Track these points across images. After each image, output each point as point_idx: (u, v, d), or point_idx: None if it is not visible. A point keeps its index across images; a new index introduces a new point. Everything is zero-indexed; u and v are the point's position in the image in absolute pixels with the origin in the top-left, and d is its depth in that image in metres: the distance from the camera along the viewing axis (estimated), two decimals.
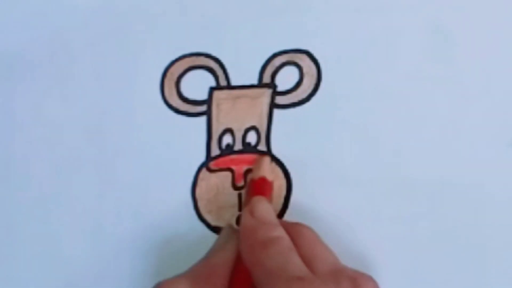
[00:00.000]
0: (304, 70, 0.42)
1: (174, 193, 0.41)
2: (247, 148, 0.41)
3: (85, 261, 0.41)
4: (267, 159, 0.40)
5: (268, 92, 0.41)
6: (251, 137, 0.41)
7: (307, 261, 0.32)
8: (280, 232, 0.34)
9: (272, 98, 0.41)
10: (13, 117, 0.43)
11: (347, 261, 0.37)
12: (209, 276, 0.34)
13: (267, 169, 0.39)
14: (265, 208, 0.36)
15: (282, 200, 0.40)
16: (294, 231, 0.35)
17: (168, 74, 0.42)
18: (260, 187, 0.38)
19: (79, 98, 0.43)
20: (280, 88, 0.42)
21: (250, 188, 0.39)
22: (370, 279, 0.34)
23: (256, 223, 0.34)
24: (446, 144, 0.41)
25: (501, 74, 0.41)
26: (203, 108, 0.42)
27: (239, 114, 0.41)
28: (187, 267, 0.38)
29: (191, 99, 0.42)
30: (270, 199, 0.38)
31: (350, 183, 0.41)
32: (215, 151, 0.41)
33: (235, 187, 0.41)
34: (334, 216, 0.40)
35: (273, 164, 0.41)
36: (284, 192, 0.40)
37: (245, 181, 0.40)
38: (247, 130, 0.41)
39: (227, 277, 0.34)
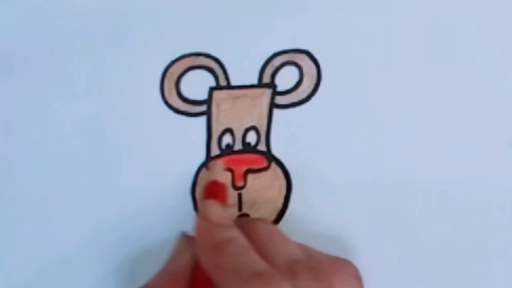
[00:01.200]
0: (304, 70, 0.42)
1: (174, 193, 0.41)
2: (247, 148, 0.41)
3: (84, 261, 0.41)
4: (218, 162, 0.40)
5: (268, 92, 0.41)
6: (251, 137, 0.41)
7: (265, 256, 0.32)
8: (234, 232, 0.34)
9: (272, 98, 0.41)
10: (13, 117, 0.43)
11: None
12: (169, 284, 0.34)
13: (218, 172, 0.39)
14: (217, 210, 0.35)
15: (282, 200, 0.40)
16: (250, 228, 0.35)
17: (168, 74, 0.42)
18: (212, 190, 0.38)
19: (79, 98, 0.43)
20: (280, 88, 0.42)
21: (203, 192, 0.39)
22: (343, 266, 0.33)
23: (209, 226, 0.34)
24: (446, 144, 0.41)
25: (501, 74, 0.41)
26: (203, 108, 0.42)
27: (239, 114, 0.41)
28: None
29: (191, 99, 0.42)
30: (224, 201, 0.38)
31: (350, 183, 0.41)
32: (215, 151, 0.41)
33: (235, 187, 0.41)
34: (334, 216, 0.40)
35: (273, 165, 0.41)
36: (284, 192, 0.40)
37: (245, 181, 0.40)
38: (247, 130, 0.41)
39: (187, 283, 0.34)
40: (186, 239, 0.37)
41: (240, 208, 0.40)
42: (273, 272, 0.30)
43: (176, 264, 0.35)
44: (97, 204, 0.42)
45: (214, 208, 0.36)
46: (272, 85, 0.42)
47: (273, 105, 0.41)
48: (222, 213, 0.36)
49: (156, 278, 0.35)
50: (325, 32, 0.42)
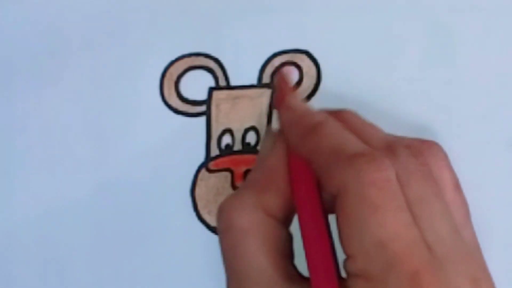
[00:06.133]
0: (304, 71, 0.42)
1: (173, 194, 0.41)
2: (247, 148, 0.41)
3: (84, 261, 0.41)
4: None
5: (267, 92, 0.41)
6: (251, 138, 0.41)
7: (360, 139, 0.31)
8: (324, 116, 0.32)
9: (272, 98, 0.41)
10: (13, 117, 0.43)
11: None
12: (271, 180, 0.32)
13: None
14: (300, 99, 0.35)
15: None
16: (339, 116, 0.33)
17: (168, 74, 0.42)
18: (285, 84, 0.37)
19: (79, 98, 0.43)
20: None
21: (277, 85, 0.38)
22: (433, 144, 0.33)
23: (298, 114, 0.33)
24: (446, 144, 0.41)
25: (501, 74, 0.41)
26: (203, 108, 0.42)
27: (238, 114, 0.41)
28: (187, 268, 0.38)
29: (190, 99, 0.42)
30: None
31: None
32: (214, 152, 0.41)
33: (234, 187, 0.41)
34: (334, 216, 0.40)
35: None
36: None
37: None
38: (246, 131, 0.41)
39: (287, 176, 0.32)
40: (275, 135, 0.35)
41: None
42: (373, 151, 0.29)
43: (271, 159, 0.33)
44: (97, 204, 0.42)
45: (297, 98, 0.35)
46: (272, 85, 0.42)
47: (273, 106, 0.41)
48: (304, 102, 0.36)
49: (253, 177, 0.33)
50: (325, 32, 0.42)
